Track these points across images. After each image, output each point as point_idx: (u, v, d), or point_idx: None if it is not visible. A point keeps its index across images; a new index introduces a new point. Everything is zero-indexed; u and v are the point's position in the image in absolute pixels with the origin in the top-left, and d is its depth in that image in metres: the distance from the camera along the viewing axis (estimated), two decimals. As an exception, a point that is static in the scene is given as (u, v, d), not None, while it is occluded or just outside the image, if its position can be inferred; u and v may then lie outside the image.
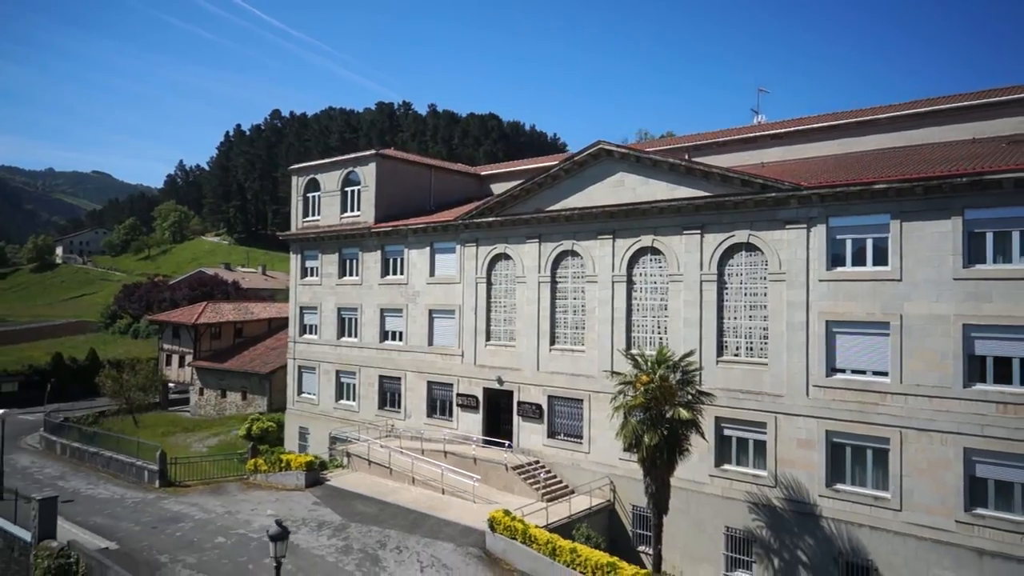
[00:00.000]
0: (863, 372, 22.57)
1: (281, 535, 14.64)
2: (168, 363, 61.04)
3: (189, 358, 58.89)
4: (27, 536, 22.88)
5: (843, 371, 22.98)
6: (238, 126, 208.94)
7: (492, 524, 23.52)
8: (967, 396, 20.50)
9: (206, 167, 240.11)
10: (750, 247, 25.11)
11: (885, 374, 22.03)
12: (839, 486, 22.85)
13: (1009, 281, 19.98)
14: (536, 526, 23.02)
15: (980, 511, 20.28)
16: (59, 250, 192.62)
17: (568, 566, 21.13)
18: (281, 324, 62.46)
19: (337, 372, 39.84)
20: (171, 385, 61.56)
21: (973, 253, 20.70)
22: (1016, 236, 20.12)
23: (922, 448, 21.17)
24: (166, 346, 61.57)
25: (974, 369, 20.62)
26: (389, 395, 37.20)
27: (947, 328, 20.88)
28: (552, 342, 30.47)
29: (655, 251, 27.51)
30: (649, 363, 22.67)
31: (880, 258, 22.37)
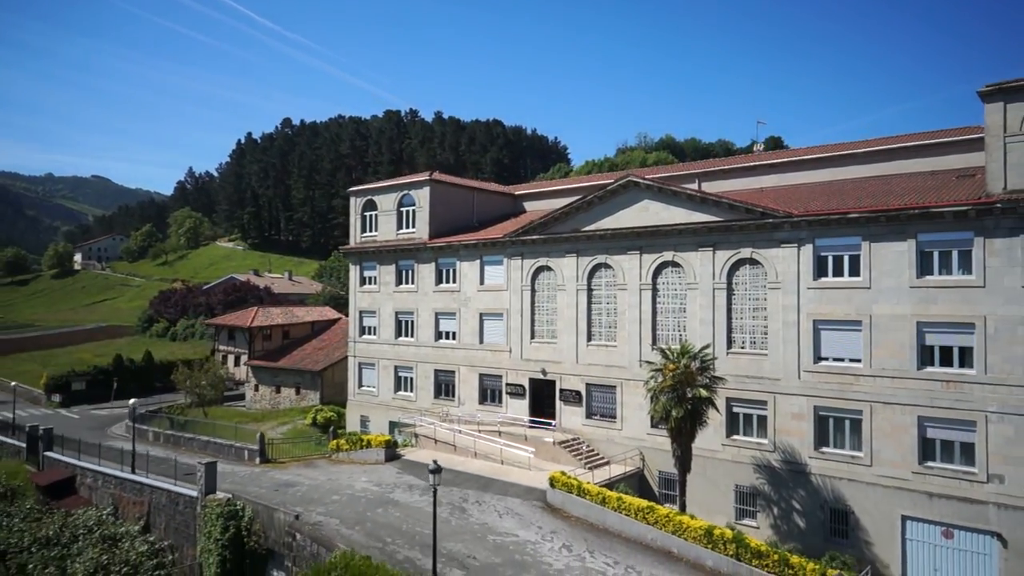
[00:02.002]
0: (842, 359, 28.94)
1: (437, 469, 20.94)
2: (224, 362, 67.15)
3: (243, 358, 65.07)
4: (193, 492, 29.10)
5: (827, 359, 29.35)
6: (249, 134, 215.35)
7: (552, 482, 29.79)
8: (920, 376, 26.88)
9: (214, 173, 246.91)
10: (753, 261, 31.46)
11: (859, 361, 28.41)
12: (824, 449, 29.21)
13: (950, 289, 26.36)
14: (587, 482, 29.30)
15: (930, 464, 26.67)
16: (78, 256, 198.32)
17: (615, 510, 27.43)
18: (323, 326, 68.78)
19: (395, 367, 46.08)
20: (226, 382, 67.59)
21: (924, 267, 27.07)
22: (955, 254, 26.51)
23: (887, 417, 27.53)
24: (221, 347, 67.74)
25: (925, 356, 26.99)
26: (444, 386, 43.46)
27: (905, 325, 27.23)
28: (589, 339, 36.78)
29: (675, 264, 33.86)
30: (675, 354, 29.02)
31: (854, 270, 28.73)
